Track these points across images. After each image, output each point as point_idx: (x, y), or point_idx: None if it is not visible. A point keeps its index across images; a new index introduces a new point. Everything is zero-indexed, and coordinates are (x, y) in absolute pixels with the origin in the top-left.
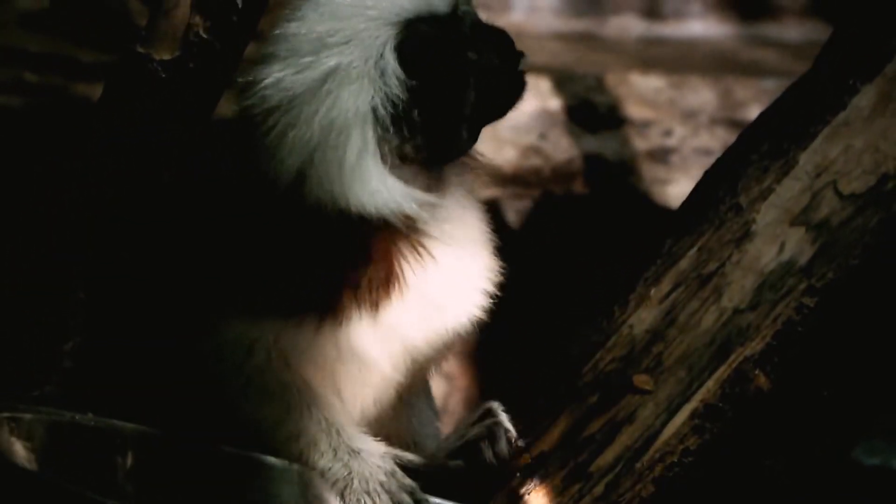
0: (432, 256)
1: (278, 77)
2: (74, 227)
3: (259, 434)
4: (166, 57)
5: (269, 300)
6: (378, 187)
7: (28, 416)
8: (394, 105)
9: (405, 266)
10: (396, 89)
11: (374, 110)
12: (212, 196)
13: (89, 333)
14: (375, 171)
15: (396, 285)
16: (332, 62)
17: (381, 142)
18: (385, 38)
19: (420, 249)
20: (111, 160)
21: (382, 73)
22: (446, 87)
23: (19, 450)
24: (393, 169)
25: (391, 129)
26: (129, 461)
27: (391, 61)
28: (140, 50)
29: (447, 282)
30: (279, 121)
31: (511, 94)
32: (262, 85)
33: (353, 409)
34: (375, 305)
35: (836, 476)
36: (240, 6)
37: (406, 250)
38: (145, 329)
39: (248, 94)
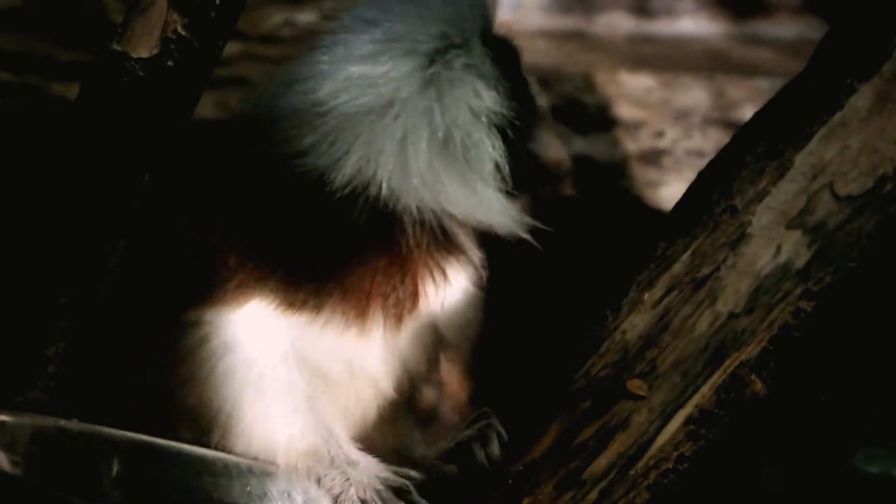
0: (446, 282)
1: (357, 74)
2: (56, 229)
3: (257, 437)
4: (144, 55)
5: (299, 294)
6: (503, 207)
7: (12, 421)
8: (502, 117)
9: (428, 286)
10: (504, 100)
11: (492, 122)
12: (249, 184)
13: (73, 338)
14: (498, 187)
15: (416, 304)
16: (433, 68)
17: (499, 157)
18: (482, 49)
19: (439, 273)
20: (90, 161)
21: (489, 84)
22: (529, 99)
23: (2, 456)
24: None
25: (503, 146)
26: (116, 467)
27: (495, 70)
28: (117, 48)
29: (450, 308)
30: (353, 119)
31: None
32: (326, 81)
33: (349, 416)
34: (398, 320)
35: (835, 484)
36: (218, 3)
37: (429, 271)
38: (137, 327)
39: (293, 90)
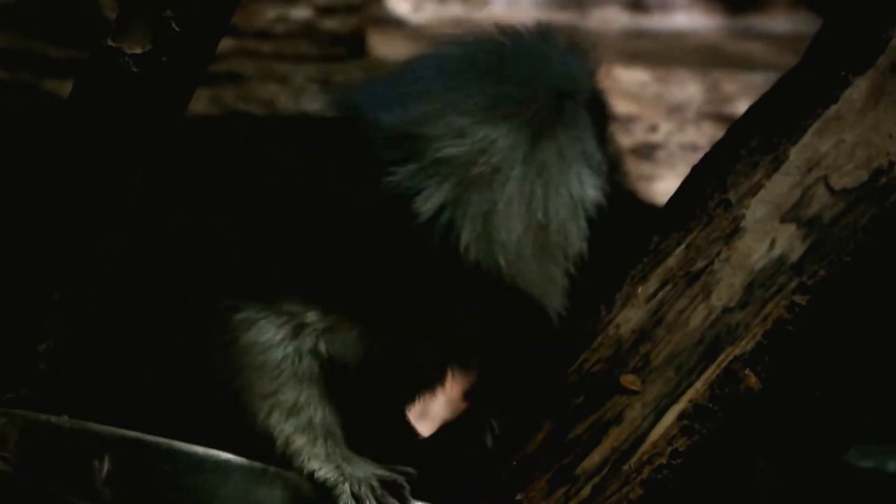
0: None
1: (468, 129)
2: (49, 225)
3: (262, 420)
4: (138, 51)
5: (356, 300)
6: (564, 293)
7: (3, 418)
8: (597, 207)
9: (456, 304)
10: (602, 182)
11: (588, 212)
12: (319, 176)
13: (65, 334)
14: (571, 274)
15: (443, 318)
16: (543, 148)
17: (585, 247)
18: (588, 120)
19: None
20: (84, 156)
21: (593, 169)
22: (622, 172)
23: None
24: None
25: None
26: (107, 464)
27: (597, 148)
28: (111, 44)
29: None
30: (452, 170)
31: None
32: (436, 121)
33: (353, 415)
34: (426, 331)
35: (829, 479)
36: None
37: (461, 295)
38: (142, 320)
39: (396, 107)
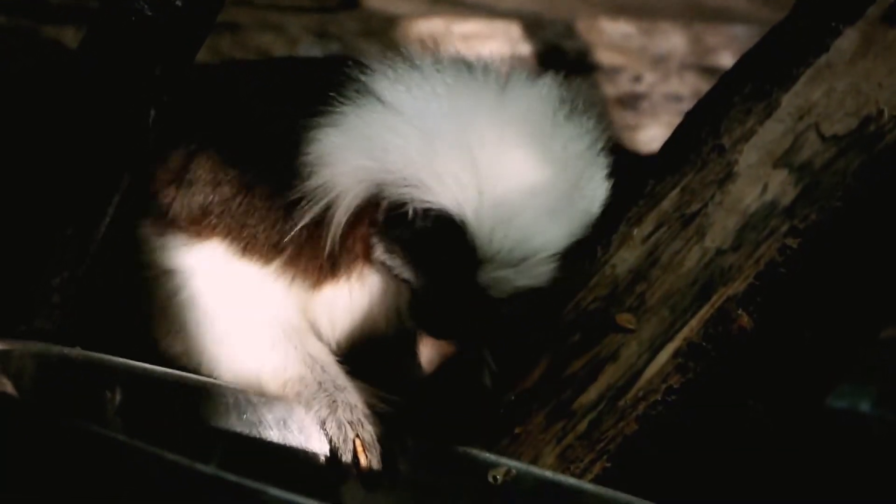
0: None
1: None
2: (62, 163)
3: (244, 362)
4: None
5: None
6: None
7: (18, 350)
8: None
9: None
10: None
11: None
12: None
13: (78, 268)
14: None
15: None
16: None
17: None
18: None
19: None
20: (97, 98)
21: None
22: None
23: (8, 384)
24: None
25: None
26: (118, 395)
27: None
28: None
29: None
30: None
31: None
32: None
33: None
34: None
35: (803, 419)
36: None
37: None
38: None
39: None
